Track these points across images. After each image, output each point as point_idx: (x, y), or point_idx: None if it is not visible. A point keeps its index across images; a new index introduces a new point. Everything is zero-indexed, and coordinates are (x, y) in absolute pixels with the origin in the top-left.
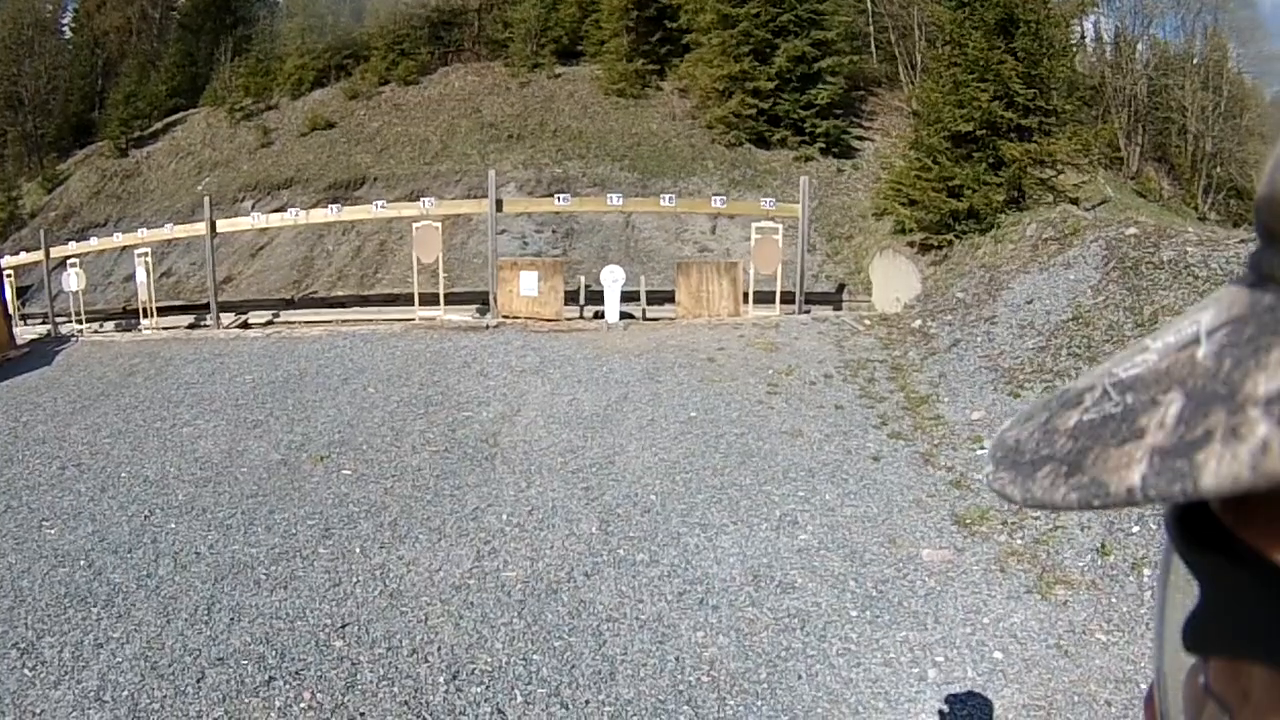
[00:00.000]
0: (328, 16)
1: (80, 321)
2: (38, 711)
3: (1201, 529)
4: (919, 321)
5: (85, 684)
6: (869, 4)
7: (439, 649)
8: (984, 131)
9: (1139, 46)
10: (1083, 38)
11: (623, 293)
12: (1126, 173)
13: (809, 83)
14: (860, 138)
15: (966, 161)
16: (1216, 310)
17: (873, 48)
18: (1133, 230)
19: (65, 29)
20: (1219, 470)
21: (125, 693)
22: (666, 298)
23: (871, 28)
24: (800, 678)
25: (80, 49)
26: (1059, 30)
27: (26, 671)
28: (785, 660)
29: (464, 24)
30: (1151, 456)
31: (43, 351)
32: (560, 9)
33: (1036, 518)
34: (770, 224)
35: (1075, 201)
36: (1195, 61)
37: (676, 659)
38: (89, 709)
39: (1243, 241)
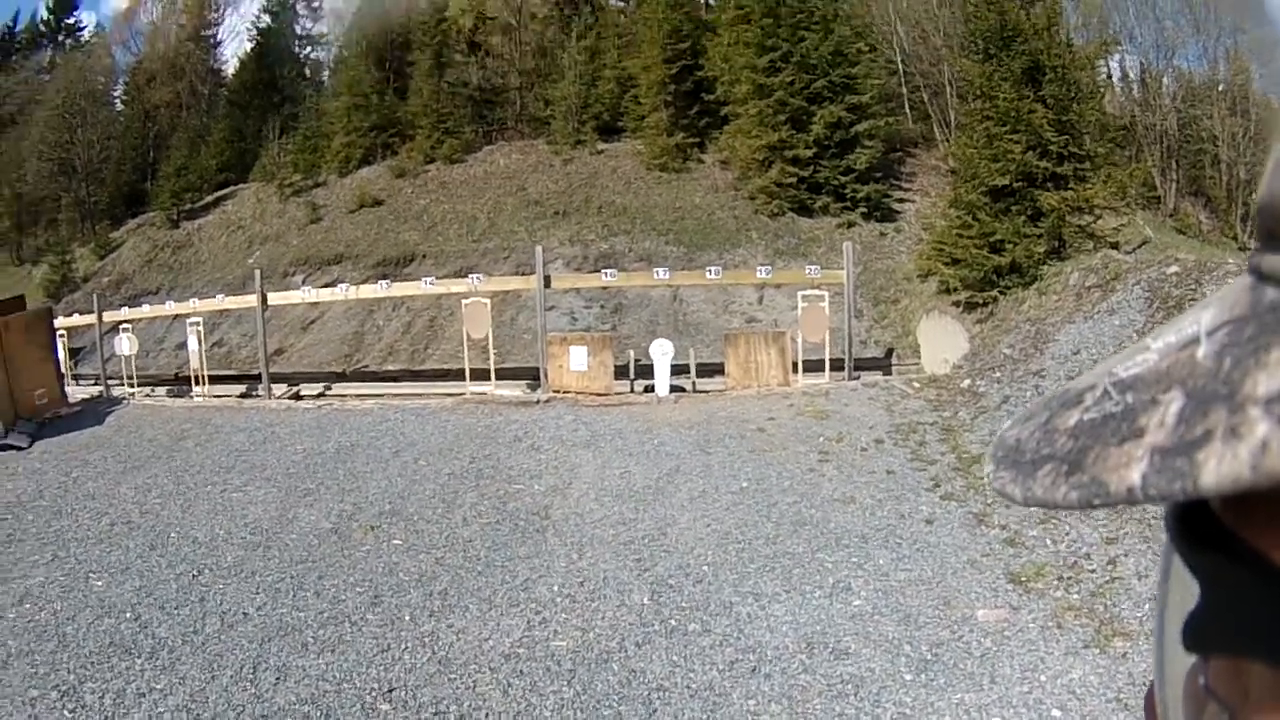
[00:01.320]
0: (372, 96)
1: (132, 385)
2: None
3: (1202, 528)
4: (968, 381)
5: None
6: (900, 65)
7: (487, 715)
8: (1020, 183)
9: (1164, 80)
10: (1109, 78)
11: (672, 365)
12: (1164, 211)
13: (847, 148)
14: (901, 200)
15: (1005, 215)
16: (1217, 310)
17: (907, 108)
18: (1174, 269)
19: (116, 101)
20: (1219, 469)
21: None
22: (715, 369)
23: (904, 88)
24: None
25: (131, 121)
26: (1085, 73)
27: (66, 713)
28: None
29: (506, 103)
30: (1152, 455)
31: (94, 411)
32: (599, 86)
33: (1093, 571)
34: (816, 292)
35: (1115, 246)
36: (1221, 88)
37: None
38: None
39: None
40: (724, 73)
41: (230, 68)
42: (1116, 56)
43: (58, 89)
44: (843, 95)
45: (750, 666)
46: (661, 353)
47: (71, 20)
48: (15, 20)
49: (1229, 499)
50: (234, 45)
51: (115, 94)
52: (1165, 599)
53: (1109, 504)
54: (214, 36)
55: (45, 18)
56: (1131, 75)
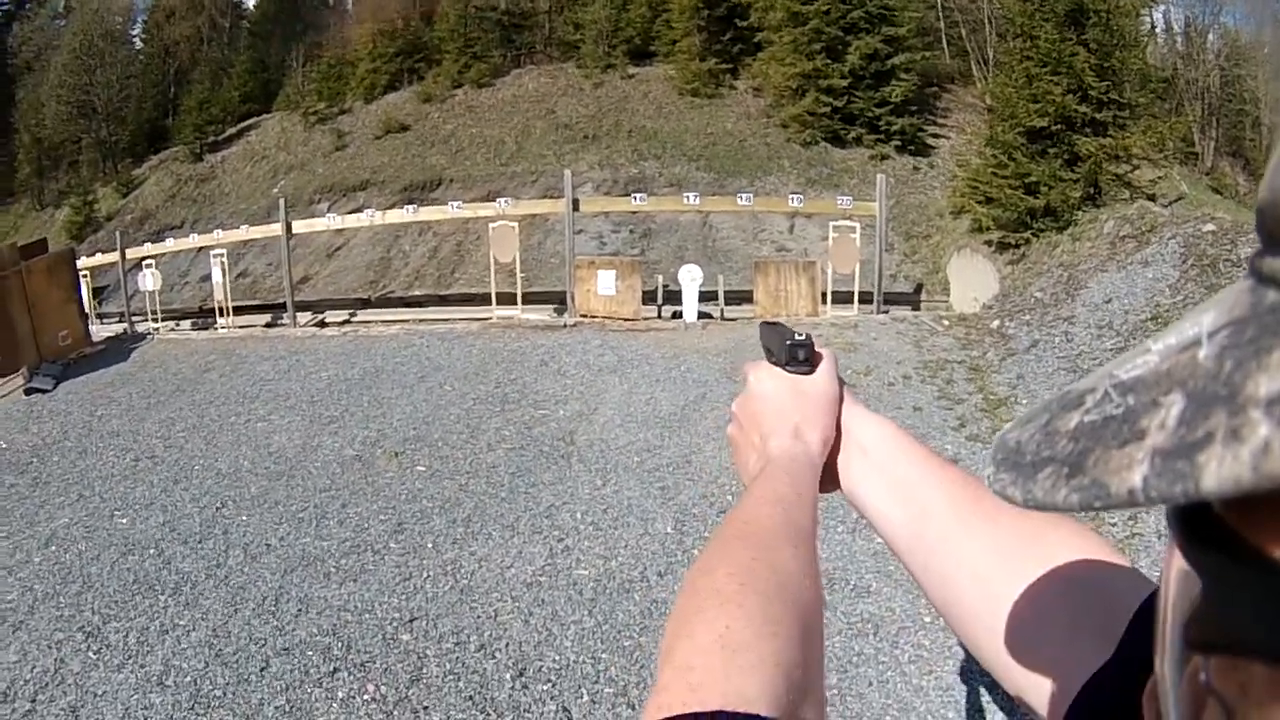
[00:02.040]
0: (397, 20)
1: (156, 320)
2: (99, 693)
3: (1203, 526)
4: (997, 322)
5: (149, 668)
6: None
7: (507, 645)
8: (1059, 126)
9: (1209, 36)
10: (1153, 28)
11: (700, 292)
12: (1201, 168)
13: (882, 80)
14: (935, 135)
15: (1042, 158)
16: (1218, 311)
17: (944, 43)
18: (1210, 227)
19: (135, 39)
20: (1220, 471)
21: (188, 678)
22: (744, 297)
23: (942, 23)
24: (871, 684)
25: (151, 58)
26: (1129, 20)
27: (91, 654)
28: (856, 666)
29: (534, 26)
30: (1153, 458)
31: (119, 348)
32: (630, 9)
33: (1114, 525)
34: (847, 223)
35: (1152, 198)
36: (1266, 51)
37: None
38: (150, 692)
39: None
40: None
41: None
42: (1161, 7)
43: (74, 32)
44: (879, 26)
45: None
46: (690, 279)
47: None
48: None
49: (1231, 499)
50: None
51: (134, 33)
52: (1166, 595)
53: (1110, 506)
54: None
55: None
56: (1176, 28)
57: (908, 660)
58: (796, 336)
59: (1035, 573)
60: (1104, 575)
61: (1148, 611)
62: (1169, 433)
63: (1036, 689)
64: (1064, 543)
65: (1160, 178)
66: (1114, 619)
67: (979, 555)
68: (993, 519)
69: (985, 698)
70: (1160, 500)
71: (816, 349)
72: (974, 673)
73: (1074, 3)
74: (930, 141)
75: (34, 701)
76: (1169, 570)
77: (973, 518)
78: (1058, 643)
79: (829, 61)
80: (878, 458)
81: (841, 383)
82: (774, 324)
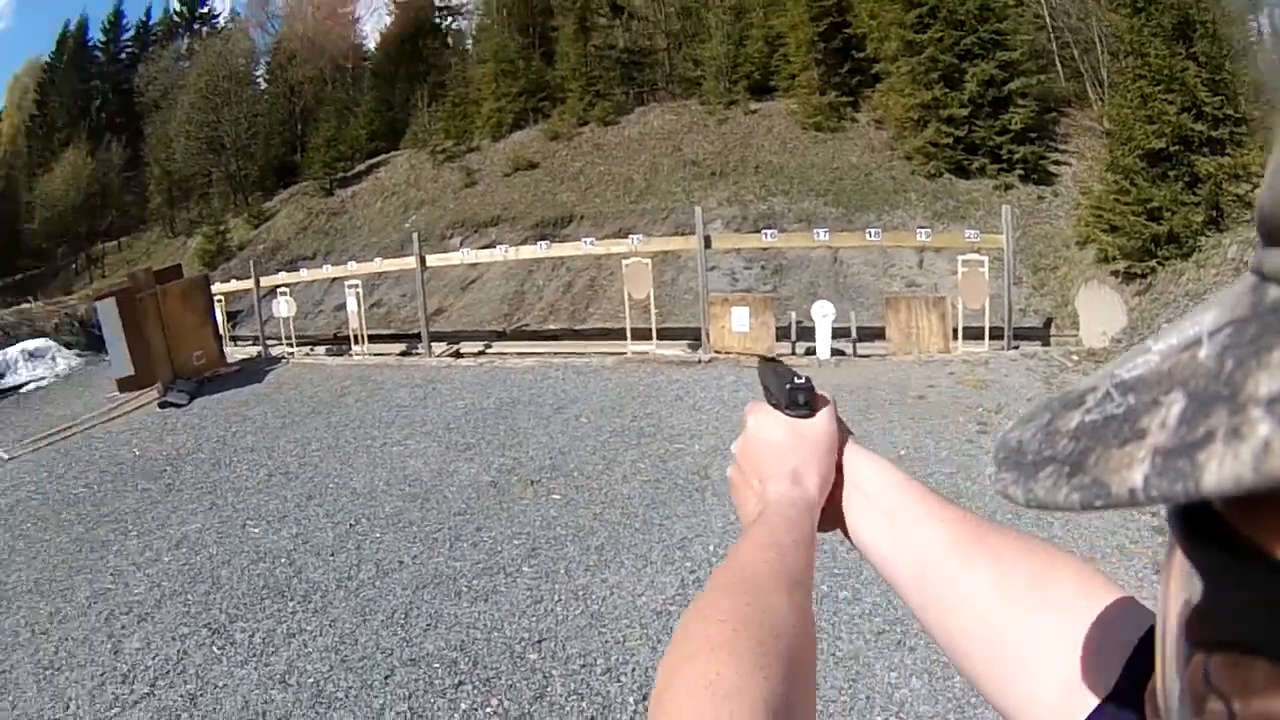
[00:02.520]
0: (519, 61)
1: (290, 345)
2: (220, 685)
3: (1204, 524)
4: None
5: (272, 667)
6: (1048, 19)
7: (633, 670)
8: (1177, 147)
9: None
10: (1260, 35)
11: (832, 328)
12: None
13: (1000, 107)
14: (1057, 162)
15: (1163, 181)
16: (1219, 311)
17: (1058, 65)
18: None
19: (259, 80)
20: (1221, 470)
21: (311, 679)
22: (875, 333)
23: (1054, 44)
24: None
25: (276, 98)
26: (1236, 29)
27: (214, 649)
28: (974, 708)
29: (654, 64)
30: (1153, 457)
31: (253, 370)
32: (747, 45)
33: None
34: (976, 256)
35: None
36: None
37: (867, 698)
38: (272, 689)
39: None
40: (872, 29)
41: (371, 43)
42: (1266, 10)
43: (199, 73)
44: (993, 52)
45: (896, 639)
46: (822, 314)
47: (205, 9)
48: (149, 15)
49: (1232, 497)
50: (373, 21)
51: (258, 74)
52: (1168, 593)
53: (1111, 506)
54: (352, 13)
55: (178, 9)
56: None
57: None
58: (796, 380)
59: (1037, 613)
60: (1106, 615)
61: (1147, 644)
62: (1170, 432)
63: None
64: (1067, 582)
65: None
66: (1114, 659)
67: (981, 594)
68: (995, 557)
69: None
70: (1161, 499)
71: (817, 392)
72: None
73: (1179, 14)
74: (1053, 169)
75: (153, 686)
76: (1170, 569)
77: (974, 557)
78: (1059, 684)
79: (947, 90)
80: (878, 500)
81: (842, 425)
82: (772, 362)
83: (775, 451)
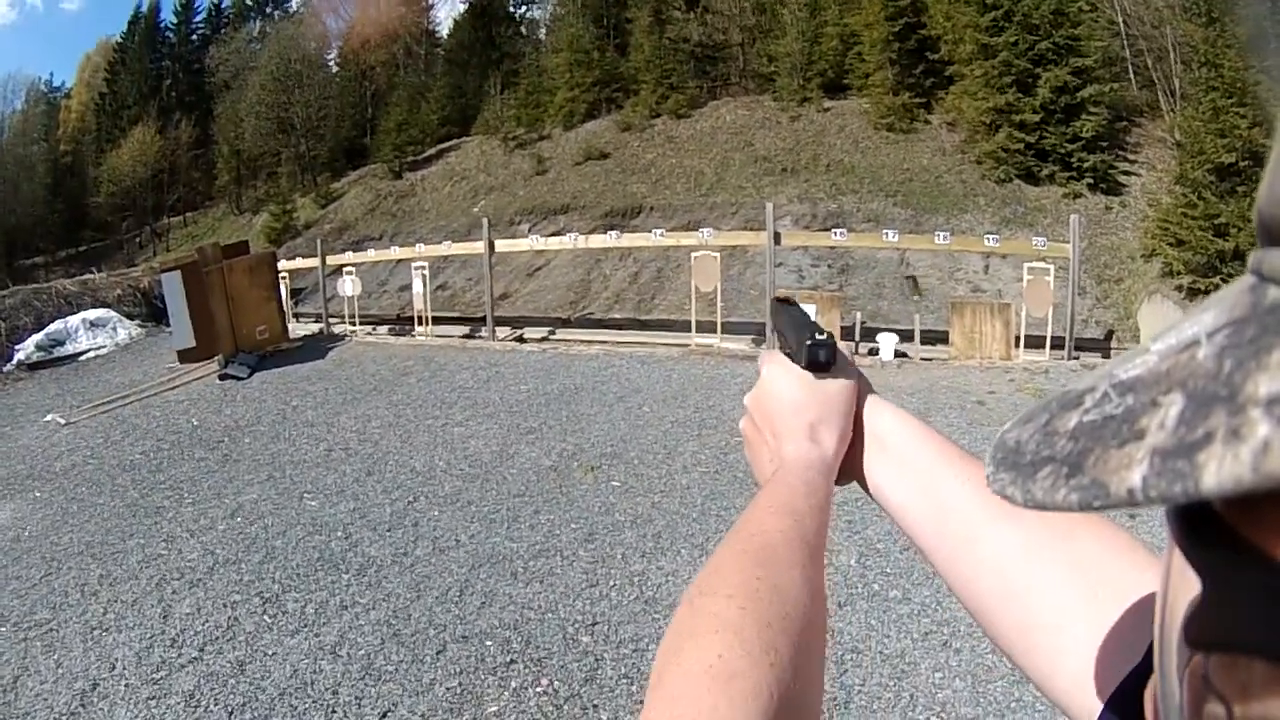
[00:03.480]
0: (593, 52)
1: (354, 324)
2: (270, 653)
3: (1203, 524)
4: None
5: (323, 638)
6: (1122, 26)
7: None
8: (1247, 162)
9: None
10: None
11: (898, 329)
12: None
13: (1072, 114)
14: (1126, 172)
15: (1231, 196)
16: (1218, 311)
17: (1130, 73)
18: None
19: (331, 64)
20: (1220, 471)
21: (362, 651)
22: (939, 337)
23: (1128, 51)
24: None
25: (347, 81)
26: None
27: (266, 618)
28: (1015, 712)
29: (728, 58)
30: (1152, 457)
31: (316, 347)
32: (822, 42)
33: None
34: (1042, 264)
35: None
36: None
37: (911, 696)
38: (322, 659)
39: None
40: (947, 31)
41: (444, 29)
42: None
43: (270, 55)
44: (1066, 58)
45: (942, 640)
46: (889, 344)
47: None
48: None
49: (1231, 498)
50: (447, 8)
51: (330, 57)
52: (1166, 594)
53: (1109, 506)
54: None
55: None
56: None
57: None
58: (817, 336)
59: (1062, 570)
60: (1134, 575)
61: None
62: (1168, 432)
63: (1065, 694)
64: (1093, 538)
65: None
66: (1144, 621)
67: (1004, 550)
68: (1019, 512)
69: None
70: (1160, 500)
71: (836, 347)
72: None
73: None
74: (1121, 179)
75: (202, 651)
76: (1168, 569)
77: (998, 511)
78: (1085, 646)
79: (1020, 95)
80: (897, 451)
81: (861, 377)
82: (787, 303)
83: (792, 407)
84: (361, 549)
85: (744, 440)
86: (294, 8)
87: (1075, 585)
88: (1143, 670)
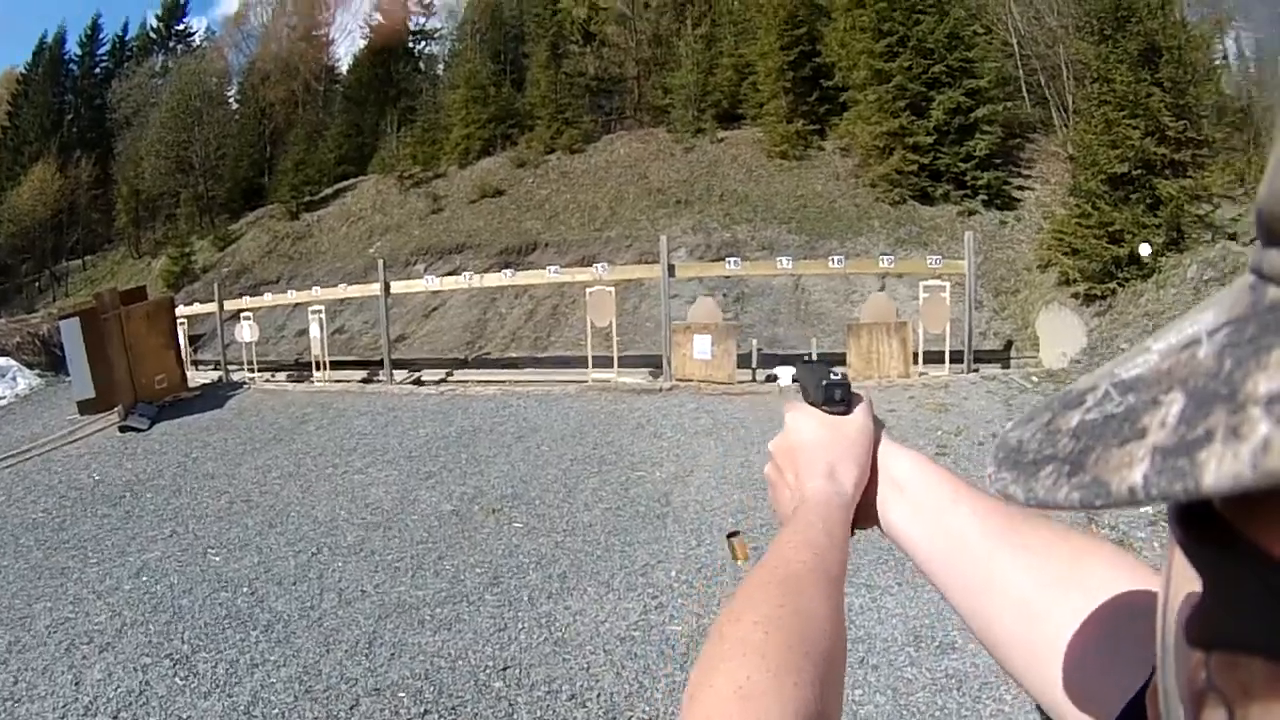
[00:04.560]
0: (489, 88)
1: (253, 370)
2: (185, 716)
3: (1204, 523)
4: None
5: (236, 699)
6: (1016, 47)
7: (598, 695)
8: (1139, 170)
9: None
10: (1225, 58)
11: (794, 354)
12: None
13: (966, 134)
14: (1020, 188)
15: (1125, 204)
16: (1218, 310)
17: (1024, 92)
18: None
19: (231, 100)
20: (1220, 469)
21: (276, 710)
22: (837, 360)
23: (1021, 71)
24: None
25: (247, 119)
26: (1201, 53)
27: (178, 680)
28: None
29: (623, 92)
30: (1153, 456)
31: (215, 395)
32: (717, 74)
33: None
34: (937, 282)
35: (1234, 237)
36: None
37: None
38: None
39: None
40: (842, 58)
41: (344, 65)
42: (1231, 34)
43: (172, 91)
44: (960, 80)
45: (859, 657)
46: (785, 374)
47: (181, 26)
48: (125, 29)
49: (1231, 496)
50: (347, 43)
51: (230, 94)
52: (1168, 593)
53: (1111, 505)
54: (325, 35)
55: (155, 25)
56: (1248, 54)
57: (989, 715)
58: (833, 376)
59: (1074, 599)
60: (1142, 600)
61: None
62: (1169, 431)
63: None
64: (1104, 565)
65: (1242, 214)
66: (1152, 644)
67: (1016, 583)
68: (1028, 546)
69: None
70: (1161, 498)
71: (853, 389)
72: None
73: (1146, 41)
74: (1015, 194)
75: (116, 718)
76: (1169, 568)
77: (1008, 545)
78: (1097, 673)
79: (914, 118)
80: (912, 492)
81: (876, 421)
82: (811, 363)
83: (812, 448)
84: (268, 604)
85: (768, 484)
86: (197, 41)
87: (1085, 615)
88: (1141, 695)
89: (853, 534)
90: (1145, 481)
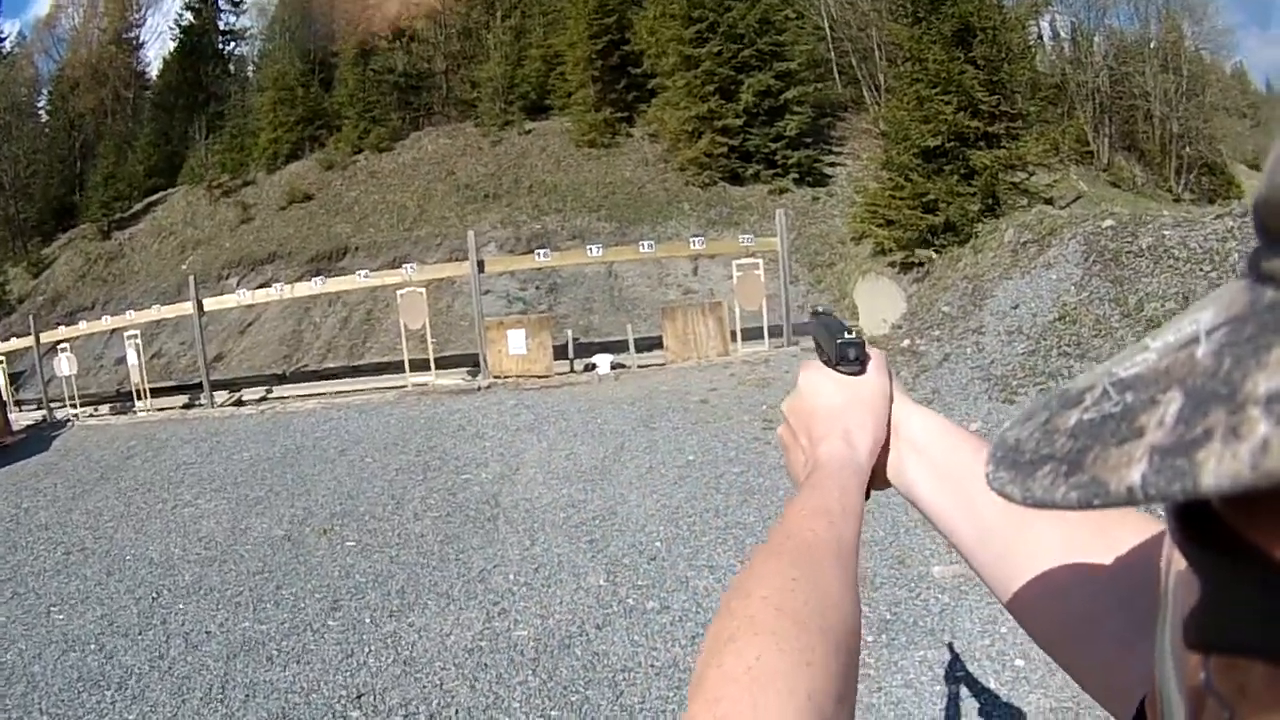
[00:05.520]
0: (298, 89)
1: (75, 406)
2: None
3: (1202, 524)
4: (907, 341)
5: None
6: (828, 30)
7: (456, 712)
8: (953, 144)
9: (1096, 39)
10: (1040, 38)
11: (611, 342)
12: (1098, 165)
13: (776, 115)
14: (832, 164)
15: (938, 176)
16: (1216, 309)
17: (835, 73)
18: (1109, 222)
19: (41, 112)
20: (1218, 469)
21: None
22: (654, 343)
23: (833, 53)
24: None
25: (57, 132)
26: (1016, 34)
27: None
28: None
29: (432, 87)
30: (1151, 455)
31: (40, 437)
32: (526, 65)
33: None
34: (751, 260)
35: (1050, 201)
36: (1153, 45)
37: None
38: None
39: (1218, 218)
40: (651, 46)
41: (154, 69)
42: (1047, 16)
43: None
44: (771, 63)
45: None
46: (603, 363)
47: None
48: None
49: (1230, 497)
50: (157, 46)
51: (40, 105)
52: (1166, 595)
53: (1108, 505)
54: (136, 38)
55: None
56: (1063, 34)
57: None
58: (847, 335)
59: (1100, 567)
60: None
61: None
62: (1167, 430)
63: (1106, 690)
64: (1132, 532)
65: (1057, 180)
66: None
67: (1041, 550)
68: (1057, 512)
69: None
70: (1159, 498)
71: (868, 346)
72: (922, 683)
73: (960, 22)
74: (827, 171)
75: None
76: (1167, 570)
77: (1030, 513)
78: (1124, 643)
79: (723, 102)
80: (930, 453)
81: (892, 378)
82: (824, 315)
83: (827, 411)
84: (118, 659)
85: (781, 445)
86: (8, 48)
87: (1112, 583)
88: None
89: (867, 497)
90: (1143, 481)
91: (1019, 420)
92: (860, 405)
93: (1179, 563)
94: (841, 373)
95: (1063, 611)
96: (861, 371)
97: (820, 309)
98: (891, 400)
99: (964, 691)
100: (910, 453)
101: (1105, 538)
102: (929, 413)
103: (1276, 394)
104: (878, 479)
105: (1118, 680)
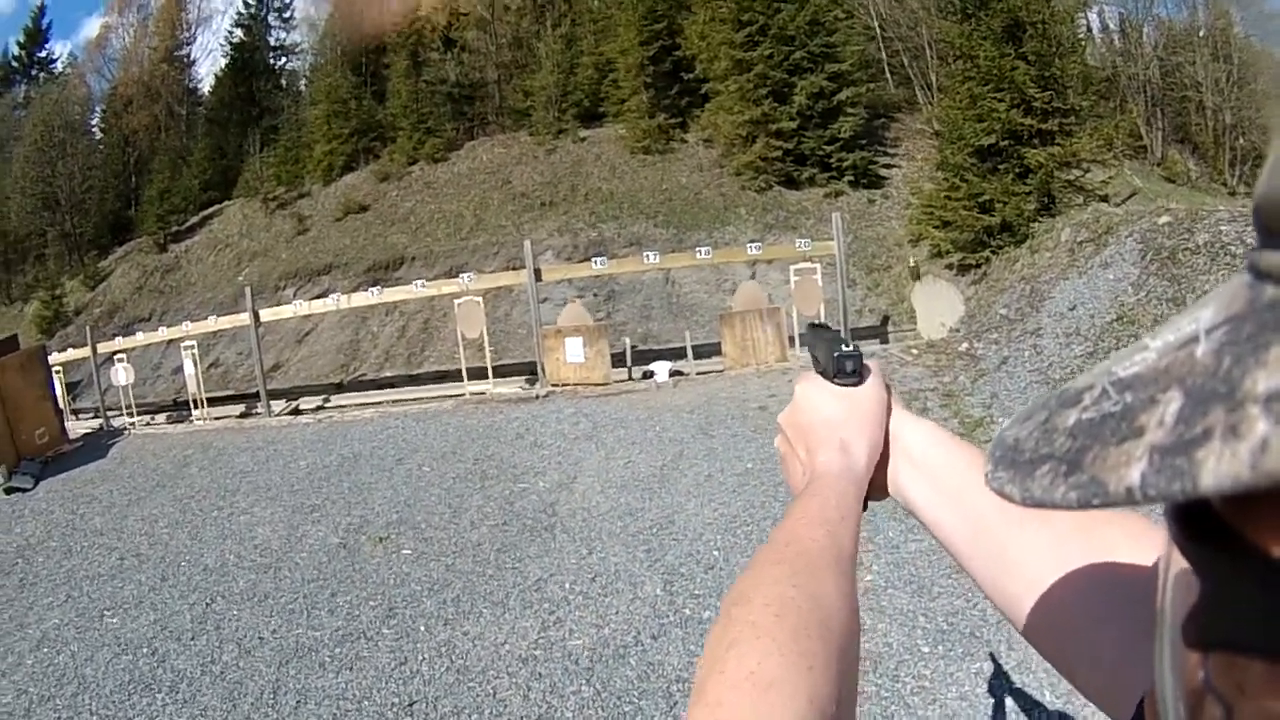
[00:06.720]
0: (350, 101)
1: (131, 415)
2: None
3: (1202, 524)
4: (965, 344)
5: None
6: (879, 30)
7: None
8: (1007, 142)
9: (1145, 30)
10: (1089, 30)
11: (669, 349)
12: (1151, 160)
13: (830, 117)
14: (887, 166)
15: (993, 175)
16: (1216, 308)
17: (887, 73)
18: (1165, 219)
19: (95, 130)
20: (1218, 469)
21: None
22: (713, 350)
23: (884, 53)
24: None
25: (111, 148)
26: (1065, 27)
27: None
28: (858, 704)
29: (485, 97)
30: (1151, 455)
31: (96, 445)
32: (578, 73)
33: None
34: (808, 265)
35: (1105, 199)
36: (1202, 34)
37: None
38: None
39: None
40: (702, 50)
41: (206, 86)
42: (1095, 8)
43: (34, 123)
44: (822, 64)
45: None
46: (661, 370)
47: (43, 54)
48: None
49: (1230, 496)
50: (209, 63)
51: (93, 123)
52: (1165, 593)
53: (1108, 504)
54: (187, 56)
55: (16, 54)
56: (1111, 26)
57: (910, 692)
58: (844, 348)
59: (1093, 571)
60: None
61: None
62: (1167, 430)
63: (1102, 693)
64: (1121, 532)
65: (1111, 177)
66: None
67: (1034, 555)
68: (1046, 517)
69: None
70: (1158, 498)
71: (864, 359)
72: (977, 695)
73: (1010, 17)
74: (882, 173)
75: None
76: (1167, 568)
77: (1025, 517)
78: (1120, 646)
79: (776, 105)
80: (926, 464)
81: (888, 388)
82: (820, 327)
83: (824, 422)
84: (170, 663)
85: (779, 458)
86: (59, 69)
87: (1105, 587)
88: None
89: (865, 508)
90: (1143, 481)
91: (1019, 419)
92: (857, 416)
93: (1178, 562)
94: (839, 385)
95: (1057, 613)
96: (859, 383)
97: (816, 321)
98: (889, 411)
99: (1010, 703)
100: (906, 463)
101: (1092, 538)
102: (926, 423)
103: (1276, 393)
104: (877, 489)
105: (1115, 681)
